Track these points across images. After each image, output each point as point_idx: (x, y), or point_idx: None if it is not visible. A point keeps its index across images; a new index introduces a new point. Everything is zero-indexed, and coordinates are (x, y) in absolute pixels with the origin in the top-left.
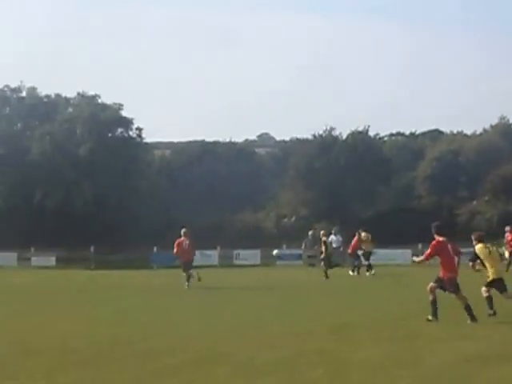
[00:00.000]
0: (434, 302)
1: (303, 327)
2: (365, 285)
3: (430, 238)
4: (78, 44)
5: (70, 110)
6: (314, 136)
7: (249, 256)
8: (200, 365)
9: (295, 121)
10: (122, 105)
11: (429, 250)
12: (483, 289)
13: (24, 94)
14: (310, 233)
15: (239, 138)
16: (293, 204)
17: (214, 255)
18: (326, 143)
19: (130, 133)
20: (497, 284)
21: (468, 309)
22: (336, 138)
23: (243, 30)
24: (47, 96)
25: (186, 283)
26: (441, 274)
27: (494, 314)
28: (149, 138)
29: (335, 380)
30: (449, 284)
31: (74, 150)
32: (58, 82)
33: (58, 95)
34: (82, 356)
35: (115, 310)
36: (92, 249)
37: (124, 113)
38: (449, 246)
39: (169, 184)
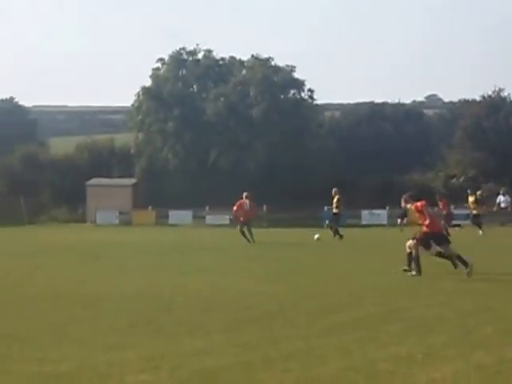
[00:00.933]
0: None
1: (473, 285)
2: None
3: None
4: (252, 8)
5: (244, 72)
6: (483, 97)
7: None
8: (371, 322)
9: (463, 82)
10: (294, 67)
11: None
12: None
13: (200, 56)
14: (478, 193)
15: (407, 99)
16: (461, 164)
17: (383, 214)
18: (494, 104)
19: (302, 94)
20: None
21: (458, 258)
22: (504, 99)
23: None
24: (222, 59)
25: (250, 239)
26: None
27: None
28: (320, 99)
29: (506, 338)
30: (428, 238)
31: (247, 111)
32: (233, 44)
33: (232, 58)
34: (254, 313)
35: (285, 268)
36: (264, 208)
37: (296, 75)
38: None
39: (338, 144)
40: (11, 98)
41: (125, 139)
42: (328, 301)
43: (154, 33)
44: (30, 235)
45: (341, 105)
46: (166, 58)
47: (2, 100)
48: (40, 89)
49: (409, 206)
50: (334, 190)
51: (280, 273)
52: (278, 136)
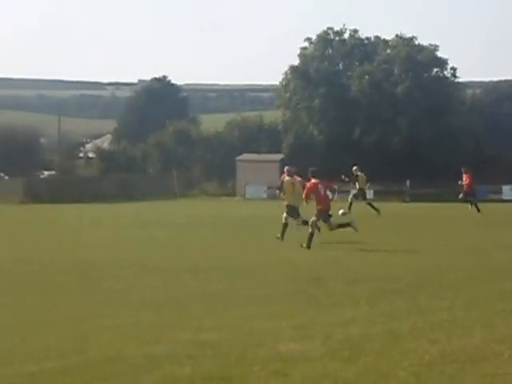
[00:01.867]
0: (311, 235)
1: None
2: None
3: None
4: None
5: (388, 51)
6: None
7: None
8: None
9: None
10: (437, 46)
11: (305, 191)
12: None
13: (346, 36)
14: None
15: None
16: None
17: None
18: None
19: (445, 72)
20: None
21: (310, 237)
22: None
23: None
24: (367, 38)
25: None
26: (316, 207)
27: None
28: (462, 77)
29: None
30: (320, 215)
31: (390, 89)
32: (378, 25)
33: (377, 37)
34: (400, 284)
35: (427, 241)
36: (407, 183)
37: (439, 53)
38: (320, 185)
39: (480, 121)
40: (164, 77)
41: (273, 116)
42: (471, 273)
43: (302, 13)
44: (182, 208)
45: (482, 82)
46: (314, 37)
47: (156, 79)
48: (192, 68)
49: (287, 178)
50: (354, 168)
51: (422, 246)
52: (420, 113)
